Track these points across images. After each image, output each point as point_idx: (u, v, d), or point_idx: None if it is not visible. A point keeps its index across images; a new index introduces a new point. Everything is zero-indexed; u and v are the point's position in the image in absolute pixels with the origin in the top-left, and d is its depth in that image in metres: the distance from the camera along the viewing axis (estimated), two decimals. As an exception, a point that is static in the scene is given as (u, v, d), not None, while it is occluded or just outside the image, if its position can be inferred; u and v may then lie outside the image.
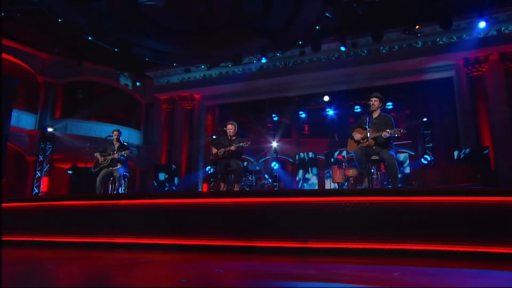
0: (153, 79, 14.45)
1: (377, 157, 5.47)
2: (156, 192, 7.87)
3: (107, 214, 4.61)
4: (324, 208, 3.97)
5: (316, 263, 3.46)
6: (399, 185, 5.46)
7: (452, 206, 3.59)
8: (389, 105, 12.35)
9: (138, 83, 14.17)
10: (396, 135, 5.10)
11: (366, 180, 5.60)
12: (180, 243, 4.28)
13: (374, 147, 5.41)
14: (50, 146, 12.31)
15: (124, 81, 13.86)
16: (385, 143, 5.37)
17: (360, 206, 3.85)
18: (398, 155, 5.37)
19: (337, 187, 10.65)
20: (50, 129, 12.67)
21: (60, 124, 13.23)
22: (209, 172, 13.36)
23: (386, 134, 5.13)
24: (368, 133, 5.29)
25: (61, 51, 12.48)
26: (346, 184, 9.67)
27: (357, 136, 5.58)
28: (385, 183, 6.88)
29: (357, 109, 13.14)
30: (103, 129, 13.39)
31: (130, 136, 14.64)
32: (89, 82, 14.80)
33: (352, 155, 5.89)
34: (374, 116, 5.57)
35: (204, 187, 13.55)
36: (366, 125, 5.33)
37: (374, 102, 5.50)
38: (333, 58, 12.06)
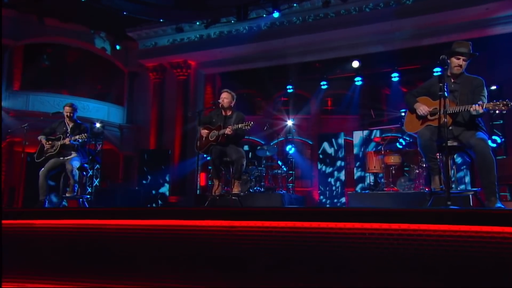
0: (137, 42, 13.55)
1: (455, 143, 3.94)
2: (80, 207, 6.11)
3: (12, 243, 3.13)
4: (386, 246, 2.38)
5: None
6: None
7: None
8: (437, 71, 10.89)
9: (118, 47, 13.54)
10: (496, 111, 3.55)
11: (437, 178, 4.01)
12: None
13: (450, 127, 3.87)
14: (-5, 125, 11.25)
15: (101, 43, 13.29)
16: (470, 122, 3.85)
17: (458, 244, 2.26)
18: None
19: (373, 178, 9.30)
20: (-6, 102, 11.86)
21: (20, 98, 12.28)
22: (209, 158, 12.43)
23: (478, 108, 3.59)
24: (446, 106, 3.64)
25: (14, 3, 11.41)
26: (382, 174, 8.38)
27: (423, 109, 4.02)
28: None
29: (395, 77, 12.01)
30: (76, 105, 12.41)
31: (111, 113, 13.91)
32: (57, 45, 13.79)
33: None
34: (453, 79, 3.97)
35: (201, 178, 12.83)
36: (441, 91, 3.67)
37: (462, 62, 3.92)
38: (367, 10, 10.85)
